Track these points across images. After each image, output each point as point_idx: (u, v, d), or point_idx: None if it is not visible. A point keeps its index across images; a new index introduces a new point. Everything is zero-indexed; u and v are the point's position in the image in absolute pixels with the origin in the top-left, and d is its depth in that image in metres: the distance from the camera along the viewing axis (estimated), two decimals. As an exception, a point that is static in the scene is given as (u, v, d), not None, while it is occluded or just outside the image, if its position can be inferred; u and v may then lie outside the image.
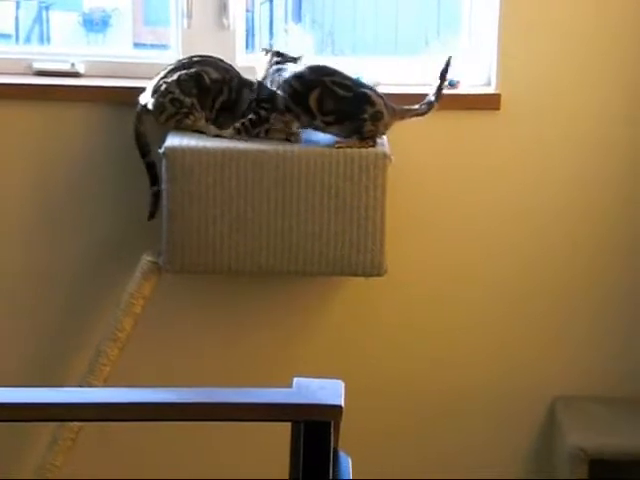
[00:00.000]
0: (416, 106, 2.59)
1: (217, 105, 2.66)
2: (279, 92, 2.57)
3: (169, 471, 2.87)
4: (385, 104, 2.56)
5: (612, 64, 2.78)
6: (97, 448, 2.83)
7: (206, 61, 2.68)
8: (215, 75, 2.66)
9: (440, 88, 2.57)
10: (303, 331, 2.89)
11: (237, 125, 2.62)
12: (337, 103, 2.54)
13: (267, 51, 2.67)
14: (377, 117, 2.55)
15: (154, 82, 2.66)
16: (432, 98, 2.57)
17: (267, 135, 2.63)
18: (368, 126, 2.55)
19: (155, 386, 1.77)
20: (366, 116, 2.54)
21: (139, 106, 2.65)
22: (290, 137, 2.61)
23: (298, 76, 2.57)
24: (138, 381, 2.68)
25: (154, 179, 2.66)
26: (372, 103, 2.54)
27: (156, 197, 2.66)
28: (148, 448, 2.86)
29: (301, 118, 2.58)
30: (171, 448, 2.86)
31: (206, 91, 2.65)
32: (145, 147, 2.66)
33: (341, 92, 2.55)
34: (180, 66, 2.67)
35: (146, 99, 2.65)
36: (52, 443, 2.70)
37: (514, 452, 2.94)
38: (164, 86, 2.64)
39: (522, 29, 2.75)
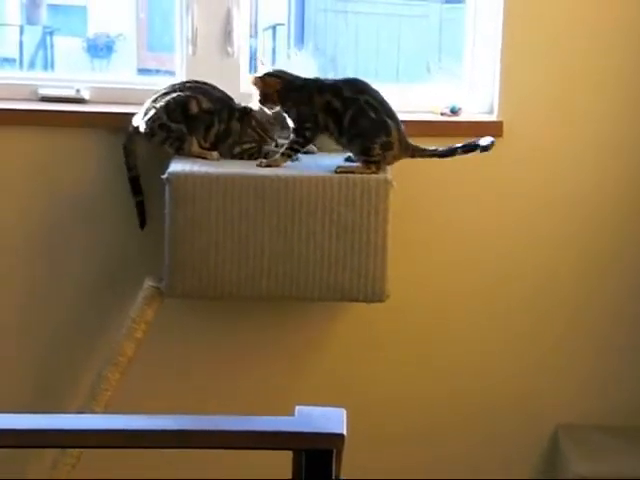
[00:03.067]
0: (433, 147, 2.60)
1: (211, 138, 2.67)
2: (321, 113, 2.57)
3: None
4: (400, 138, 2.58)
5: (615, 91, 2.79)
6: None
7: (199, 88, 2.69)
8: (206, 105, 2.67)
9: (470, 149, 2.55)
10: (305, 357, 2.89)
11: (284, 152, 2.60)
12: (362, 121, 2.56)
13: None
14: (387, 147, 2.57)
15: (146, 105, 2.68)
16: (459, 147, 2.57)
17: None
18: (376, 150, 2.56)
19: (156, 412, 1.78)
20: (378, 141, 2.56)
21: (131, 127, 2.67)
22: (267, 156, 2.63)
23: (339, 94, 2.56)
24: (139, 406, 2.67)
25: (136, 190, 2.71)
26: (388, 133, 2.56)
27: (140, 206, 2.72)
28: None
29: (334, 135, 2.60)
30: (171, 472, 2.84)
31: (193, 119, 2.66)
32: (132, 163, 2.70)
33: (369, 112, 2.57)
34: (172, 91, 2.68)
35: (138, 121, 2.67)
36: (52, 468, 2.69)
37: (517, 477, 2.93)
38: (153, 111, 2.65)
39: (524, 57, 2.76)
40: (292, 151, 2.61)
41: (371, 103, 2.57)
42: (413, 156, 2.61)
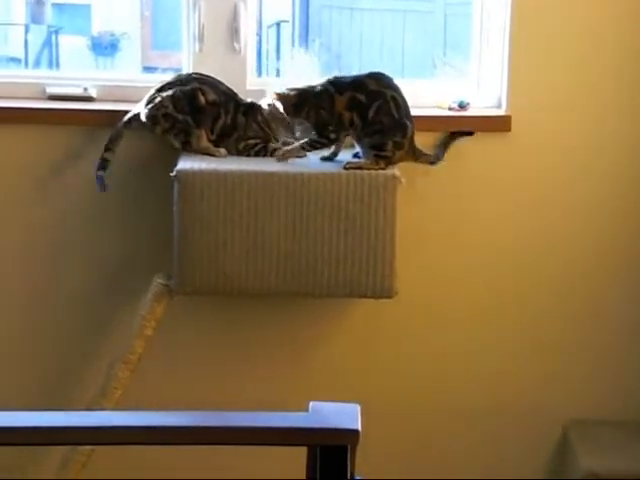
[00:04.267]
0: (432, 153, 2.67)
1: (217, 130, 2.67)
2: (345, 112, 2.57)
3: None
4: (411, 141, 2.61)
5: (623, 85, 2.79)
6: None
7: (204, 80, 2.68)
8: (212, 96, 2.67)
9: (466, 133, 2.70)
10: (313, 353, 2.89)
11: (304, 145, 2.60)
12: (385, 118, 2.57)
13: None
14: (399, 147, 2.59)
15: (149, 93, 2.67)
16: (450, 138, 2.69)
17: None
18: (389, 147, 2.57)
19: (167, 409, 1.77)
20: (393, 140, 2.57)
21: (131, 113, 2.66)
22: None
23: (363, 88, 2.57)
24: (150, 404, 2.67)
25: (102, 166, 2.65)
26: (404, 135, 2.58)
27: (101, 179, 2.65)
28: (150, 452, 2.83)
29: (357, 129, 2.60)
30: (180, 466, 2.84)
31: (200, 110, 2.65)
32: (113, 143, 2.65)
33: (393, 109, 2.58)
34: (177, 81, 2.68)
35: (139, 109, 2.66)
36: (62, 467, 2.69)
37: (527, 475, 2.92)
38: (158, 99, 2.64)
39: (532, 51, 2.76)
40: (312, 147, 2.61)
41: (396, 100, 2.58)
42: (416, 160, 2.63)
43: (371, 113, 2.57)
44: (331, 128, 2.59)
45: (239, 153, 2.68)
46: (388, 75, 2.61)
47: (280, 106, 2.61)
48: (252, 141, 2.68)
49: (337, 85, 2.59)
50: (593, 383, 2.91)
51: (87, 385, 2.82)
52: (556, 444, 2.91)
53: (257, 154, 2.68)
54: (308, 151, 2.62)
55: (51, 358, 2.88)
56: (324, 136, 2.60)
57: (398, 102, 2.58)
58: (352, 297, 2.68)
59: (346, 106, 2.58)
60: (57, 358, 2.88)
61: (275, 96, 2.62)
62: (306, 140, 2.62)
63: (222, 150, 2.67)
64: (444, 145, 2.71)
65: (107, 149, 2.66)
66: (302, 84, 2.62)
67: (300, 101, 2.59)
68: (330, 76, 2.62)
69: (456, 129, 2.72)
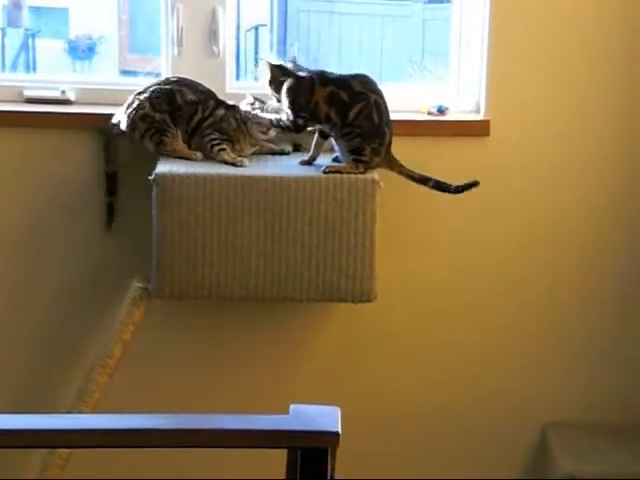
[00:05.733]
0: (412, 170, 2.64)
1: (192, 126, 2.66)
2: (322, 104, 2.58)
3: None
4: (388, 148, 2.62)
5: (600, 89, 2.81)
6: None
7: (183, 82, 2.69)
8: (190, 97, 2.67)
9: (442, 188, 2.63)
10: (296, 357, 2.89)
11: (273, 120, 2.62)
12: (365, 122, 2.57)
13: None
14: (376, 153, 2.60)
15: (129, 100, 2.67)
16: (432, 181, 2.63)
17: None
18: (367, 152, 2.58)
19: (147, 412, 1.76)
20: (371, 146, 2.58)
21: (111, 123, 2.66)
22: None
23: (347, 87, 2.58)
24: (128, 407, 2.65)
25: (111, 189, 2.71)
26: (382, 142, 2.59)
27: (110, 207, 2.72)
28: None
29: (335, 127, 2.60)
30: (163, 466, 2.83)
31: (178, 109, 2.65)
32: (110, 157, 2.68)
33: (375, 115, 2.58)
34: (155, 84, 2.68)
35: (119, 116, 2.66)
36: (42, 471, 2.68)
37: (505, 476, 2.93)
38: (136, 102, 2.65)
39: (511, 56, 2.77)
40: (278, 127, 2.62)
41: (379, 105, 2.59)
42: (392, 169, 2.64)
43: (352, 114, 2.57)
44: (303, 114, 2.59)
45: (202, 142, 2.66)
46: (373, 79, 2.62)
47: (268, 74, 2.62)
48: (209, 138, 2.66)
49: (322, 77, 2.61)
50: (571, 387, 2.92)
51: (66, 389, 2.81)
52: (535, 446, 2.92)
53: (210, 150, 2.65)
54: (275, 127, 2.62)
55: (30, 362, 2.86)
56: (293, 119, 2.60)
57: (380, 108, 2.59)
58: (332, 301, 2.68)
59: (325, 99, 2.58)
60: (36, 362, 2.86)
61: (267, 65, 2.63)
62: (276, 118, 2.62)
63: (198, 153, 2.67)
64: (439, 183, 2.64)
65: (107, 162, 2.69)
66: (292, 66, 2.64)
67: (285, 79, 2.61)
68: (319, 69, 2.64)
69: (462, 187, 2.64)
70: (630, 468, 2.70)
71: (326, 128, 2.61)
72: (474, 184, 2.61)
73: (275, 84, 2.62)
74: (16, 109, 2.77)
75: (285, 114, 2.61)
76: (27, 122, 2.75)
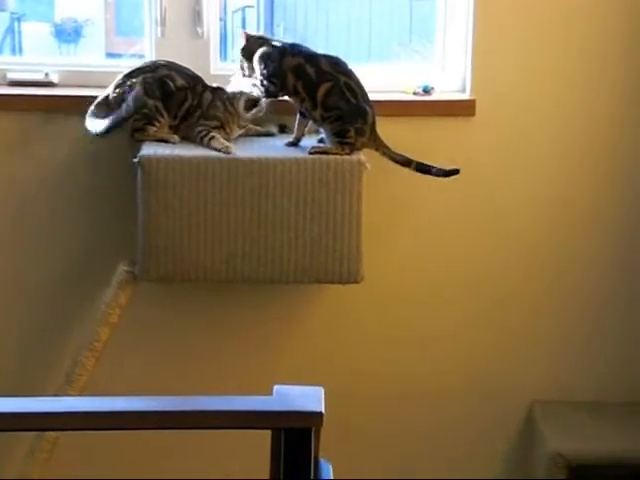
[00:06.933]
0: (395, 152, 2.63)
1: (181, 113, 2.66)
2: (290, 75, 2.59)
3: (149, 472, 2.84)
4: (372, 127, 2.61)
5: (584, 69, 2.80)
6: (80, 449, 2.79)
7: (172, 66, 2.68)
8: (180, 82, 2.66)
9: (424, 170, 2.61)
10: (281, 339, 2.89)
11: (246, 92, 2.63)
12: (341, 103, 2.57)
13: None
14: (361, 133, 2.59)
15: (117, 79, 2.64)
16: (414, 163, 2.62)
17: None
18: (351, 134, 2.57)
19: (133, 394, 1.76)
20: (355, 126, 2.57)
21: (100, 98, 2.63)
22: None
23: (315, 64, 2.59)
24: (115, 390, 2.66)
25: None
26: (365, 121, 2.58)
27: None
28: (129, 447, 2.83)
29: (305, 103, 2.60)
30: (152, 450, 2.84)
31: (170, 95, 2.64)
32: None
33: (348, 95, 2.58)
34: (145, 68, 2.67)
35: (108, 91, 2.63)
36: (28, 455, 2.68)
37: (493, 456, 2.95)
38: (128, 83, 2.62)
39: (496, 36, 2.76)
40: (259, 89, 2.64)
41: (351, 87, 2.59)
42: (376, 149, 2.63)
43: (320, 94, 2.57)
44: (274, 80, 2.61)
45: (193, 134, 2.65)
46: (344, 61, 2.61)
47: (243, 43, 2.65)
48: (199, 128, 2.65)
49: (293, 48, 2.63)
50: (558, 365, 2.93)
51: (53, 372, 2.81)
52: (522, 425, 2.93)
53: (201, 141, 2.64)
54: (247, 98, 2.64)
55: (16, 347, 2.86)
56: (266, 85, 2.62)
57: (352, 88, 2.59)
58: (319, 283, 2.68)
59: (292, 70, 2.59)
60: (23, 346, 2.86)
61: (244, 34, 2.65)
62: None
63: (175, 136, 2.66)
64: (424, 166, 2.63)
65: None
66: (268, 37, 2.67)
67: (256, 48, 2.63)
68: (295, 41, 2.66)
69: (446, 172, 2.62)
70: (616, 444, 2.71)
71: (297, 102, 2.61)
72: (454, 172, 2.61)
73: (248, 54, 2.64)
74: (-1, 92, 2.77)
75: (258, 80, 2.62)
76: (8, 105, 2.73)
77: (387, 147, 2.64)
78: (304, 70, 2.58)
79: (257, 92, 2.65)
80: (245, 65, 2.67)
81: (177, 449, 2.84)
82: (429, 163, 2.62)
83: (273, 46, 2.64)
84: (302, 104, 2.61)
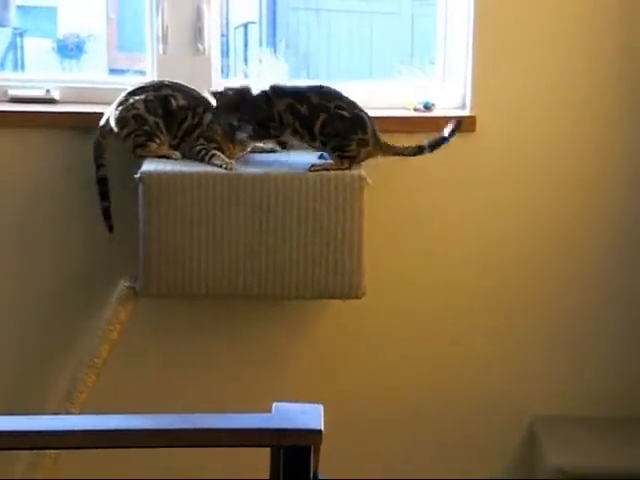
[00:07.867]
0: (405, 145, 2.62)
1: (181, 132, 2.66)
2: (286, 115, 2.58)
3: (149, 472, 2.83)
4: (374, 135, 2.60)
5: (584, 86, 2.81)
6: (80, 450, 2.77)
7: (176, 87, 2.68)
8: (182, 102, 2.67)
9: (438, 143, 2.61)
10: (282, 355, 2.89)
11: (250, 130, 2.61)
12: (338, 125, 2.58)
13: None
14: (362, 144, 2.59)
15: (120, 97, 2.66)
16: (425, 144, 2.61)
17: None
18: (352, 147, 2.58)
19: (133, 412, 1.76)
20: (355, 138, 2.57)
21: (103, 120, 2.65)
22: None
23: (305, 101, 2.58)
24: (115, 407, 2.65)
25: (103, 195, 2.67)
26: (364, 130, 2.58)
27: (107, 211, 2.67)
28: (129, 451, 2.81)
29: (304, 138, 2.61)
30: (149, 468, 2.83)
31: (172, 114, 2.65)
32: (100, 160, 2.65)
33: (342, 113, 2.58)
34: (149, 87, 2.68)
35: (110, 112, 2.65)
36: (28, 470, 2.67)
37: (494, 471, 2.94)
38: (130, 100, 2.63)
39: (496, 52, 2.77)
40: (257, 135, 2.62)
41: (341, 106, 2.59)
42: (385, 154, 2.62)
43: (317, 128, 2.57)
44: (272, 124, 2.60)
45: (191, 152, 2.65)
46: (327, 86, 2.61)
47: (214, 102, 2.62)
48: (198, 147, 2.66)
49: (276, 90, 2.61)
50: (560, 380, 2.93)
51: (53, 390, 2.81)
52: (523, 440, 2.93)
53: (202, 159, 2.65)
54: (259, 137, 2.63)
55: (17, 363, 2.86)
56: (266, 130, 2.61)
57: (343, 106, 2.58)
58: (320, 298, 2.68)
59: (286, 109, 2.59)
60: (24, 363, 2.86)
61: (210, 94, 2.63)
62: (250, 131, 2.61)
63: (177, 153, 2.66)
64: (434, 142, 2.62)
65: (98, 167, 2.65)
66: (241, 85, 2.63)
67: (238, 100, 2.60)
68: (269, 84, 2.63)
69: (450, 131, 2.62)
70: (618, 461, 2.70)
71: (296, 140, 2.62)
72: (458, 125, 2.60)
73: (227, 108, 2.61)
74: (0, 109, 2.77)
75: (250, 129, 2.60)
76: (9, 122, 2.74)
77: (393, 147, 2.62)
78: (296, 110, 2.58)
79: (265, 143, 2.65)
80: (228, 121, 2.61)
81: (178, 465, 2.83)
82: (436, 136, 2.60)
83: (256, 94, 2.59)
84: (302, 139, 2.61)
